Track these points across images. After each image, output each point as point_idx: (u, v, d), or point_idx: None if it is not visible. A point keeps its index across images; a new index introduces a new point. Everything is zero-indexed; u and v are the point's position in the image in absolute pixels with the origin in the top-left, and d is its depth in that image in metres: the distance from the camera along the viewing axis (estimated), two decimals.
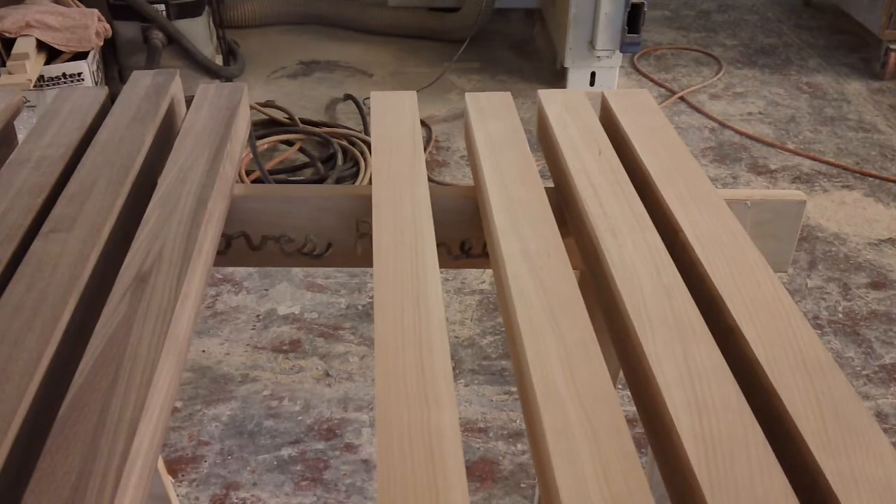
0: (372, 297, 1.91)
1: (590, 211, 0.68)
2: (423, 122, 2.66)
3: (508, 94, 0.89)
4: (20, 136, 0.81)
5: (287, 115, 2.62)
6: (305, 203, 0.77)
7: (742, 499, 0.43)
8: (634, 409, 0.55)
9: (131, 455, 0.45)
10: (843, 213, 2.25)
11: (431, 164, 2.46)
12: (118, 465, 0.44)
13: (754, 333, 0.55)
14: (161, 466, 1.12)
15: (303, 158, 2.47)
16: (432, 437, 0.47)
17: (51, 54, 2.41)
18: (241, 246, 0.78)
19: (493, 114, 0.86)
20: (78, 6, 2.55)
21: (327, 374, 1.69)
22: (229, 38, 3.04)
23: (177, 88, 0.88)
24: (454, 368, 1.72)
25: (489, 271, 1.87)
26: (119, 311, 0.55)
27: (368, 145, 2.46)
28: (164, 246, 0.62)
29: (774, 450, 0.47)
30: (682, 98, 2.87)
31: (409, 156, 0.78)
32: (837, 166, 2.46)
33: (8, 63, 2.22)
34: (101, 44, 2.53)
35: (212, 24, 2.88)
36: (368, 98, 2.17)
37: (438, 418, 0.48)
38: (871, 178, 2.41)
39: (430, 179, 2.33)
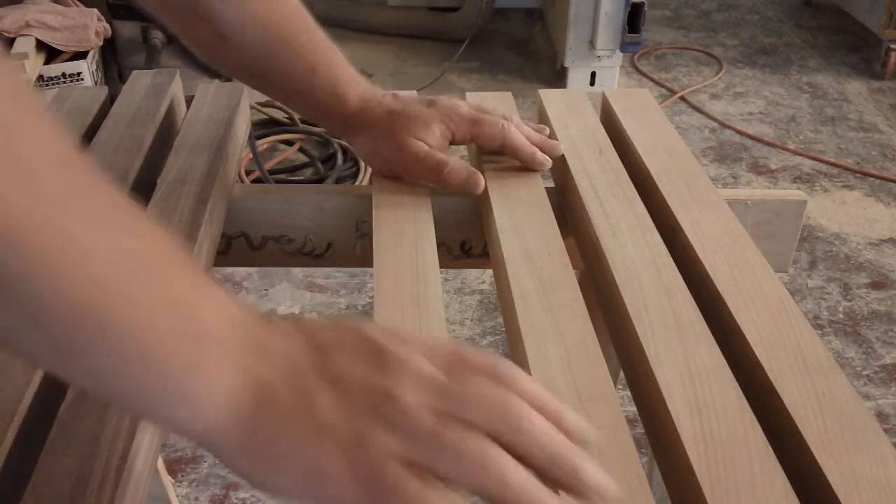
0: (372, 297, 1.91)
1: (590, 211, 0.68)
2: None
3: (509, 93, 0.89)
4: None
5: (287, 115, 2.62)
6: (305, 203, 0.77)
7: (742, 499, 0.43)
8: (634, 409, 0.55)
9: (131, 455, 0.45)
10: (844, 213, 2.25)
11: None
12: (118, 465, 0.44)
13: (755, 333, 0.55)
14: (161, 466, 1.12)
15: (302, 158, 2.47)
16: None
17: (50, 54, 2.40)
18: (241, 246, 0.78)
19: None
20: (77, 6, 2.54)
21: None
22: None
23: (177, 88, 0.88)
24: None
25: (489, 271, 1.87)
26: None
27: None
28: None
29: (775, 450, 0.46)
30: (682, 98, 2.87)
31: None
32: (838, 166, 2.46)
33: None
34: (101, 43, 2.53)
35: None
36: None
37: None
38: (871, 178, 2.41)
39: None
